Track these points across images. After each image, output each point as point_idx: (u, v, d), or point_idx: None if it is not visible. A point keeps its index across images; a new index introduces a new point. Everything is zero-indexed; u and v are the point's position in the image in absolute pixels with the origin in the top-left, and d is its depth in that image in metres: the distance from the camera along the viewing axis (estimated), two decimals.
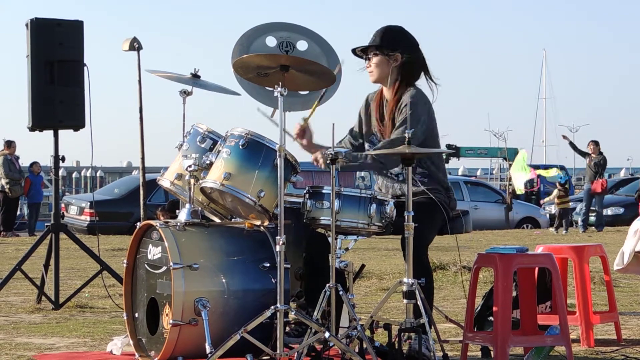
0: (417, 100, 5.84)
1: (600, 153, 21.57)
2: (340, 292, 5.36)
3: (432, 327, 5.34)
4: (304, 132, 5.92)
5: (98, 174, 53.95)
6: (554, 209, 22.78)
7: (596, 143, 21.62)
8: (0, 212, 21.70)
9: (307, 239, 5.84)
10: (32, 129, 8.50)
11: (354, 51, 6.04)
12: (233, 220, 5.87)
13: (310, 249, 5.82)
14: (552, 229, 21.97)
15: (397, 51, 5.94)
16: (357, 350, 5.34)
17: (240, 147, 5.47)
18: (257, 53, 5.79)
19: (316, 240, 5.83)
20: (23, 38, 8.53)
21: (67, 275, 11.02)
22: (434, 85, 5.98)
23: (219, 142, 5.66)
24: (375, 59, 5.97)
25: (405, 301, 5.34)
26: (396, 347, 5.33)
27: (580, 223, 22.05)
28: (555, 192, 22.60)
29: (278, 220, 5.13)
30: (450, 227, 5.85)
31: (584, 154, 21.64)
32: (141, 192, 15.45)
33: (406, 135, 5.34)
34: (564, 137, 22.41)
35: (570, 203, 22.99)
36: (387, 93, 6.00)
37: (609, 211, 23.86)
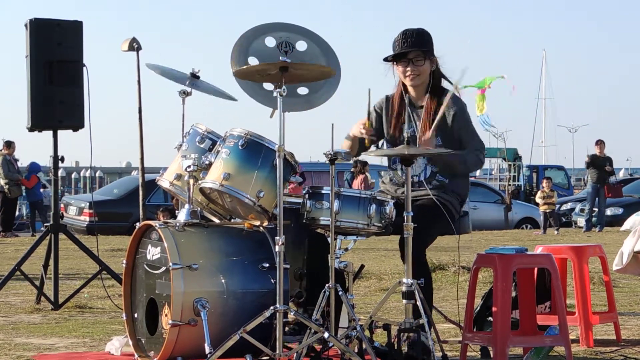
0: (464, 107, 5.86)
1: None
2: (340, 293, 5.36)
3: (432, 327, 5.34)
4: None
5: (97, 175, 53.93)
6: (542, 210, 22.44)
7: (603, 143, 21.61)
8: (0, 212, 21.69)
9: (308, 239, 5.82)
10: (31, 129, 8.50)
11: (394, 56, 5.84)
12: (232, 220, 5.86)
13: (312, 249, 5.79)
14: (553, 230, 21.78)
15: (434, 55, 5.89)
16: (356, 350, 5.34)
17: (240, 147, 5.46)
18: (255, 63, 5.75)
19: (317, 240, 5.80)
20: (22, 38, 8.53)
21: (67, 275, 11.02)
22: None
23: (218, 143, 5.66)
24: (423, 63, 5.83)
25: (404, 301, 5.34)
26: (395, 348, 5.33)
27: (584, 223, 22.00)
28: (554, 193, 22.50)
29: (277, 220, 5.13)
30: (454, 228, 5.84)
31: (605, 163, 21.36)
32: (140, 192, 15.39)
33: (405, 135, 5.33)
34: (607, 169, 21.66)
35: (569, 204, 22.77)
36: (418, 95, 5.91)
37: (608, 211, 23.79)
